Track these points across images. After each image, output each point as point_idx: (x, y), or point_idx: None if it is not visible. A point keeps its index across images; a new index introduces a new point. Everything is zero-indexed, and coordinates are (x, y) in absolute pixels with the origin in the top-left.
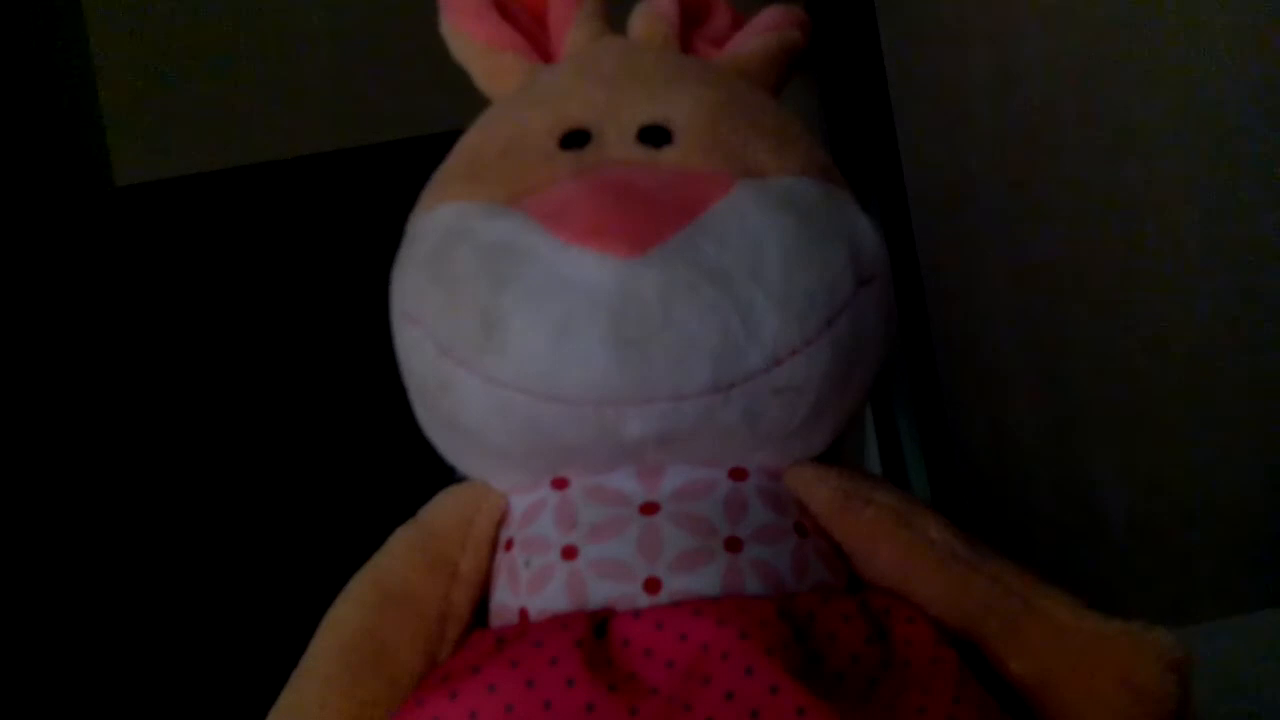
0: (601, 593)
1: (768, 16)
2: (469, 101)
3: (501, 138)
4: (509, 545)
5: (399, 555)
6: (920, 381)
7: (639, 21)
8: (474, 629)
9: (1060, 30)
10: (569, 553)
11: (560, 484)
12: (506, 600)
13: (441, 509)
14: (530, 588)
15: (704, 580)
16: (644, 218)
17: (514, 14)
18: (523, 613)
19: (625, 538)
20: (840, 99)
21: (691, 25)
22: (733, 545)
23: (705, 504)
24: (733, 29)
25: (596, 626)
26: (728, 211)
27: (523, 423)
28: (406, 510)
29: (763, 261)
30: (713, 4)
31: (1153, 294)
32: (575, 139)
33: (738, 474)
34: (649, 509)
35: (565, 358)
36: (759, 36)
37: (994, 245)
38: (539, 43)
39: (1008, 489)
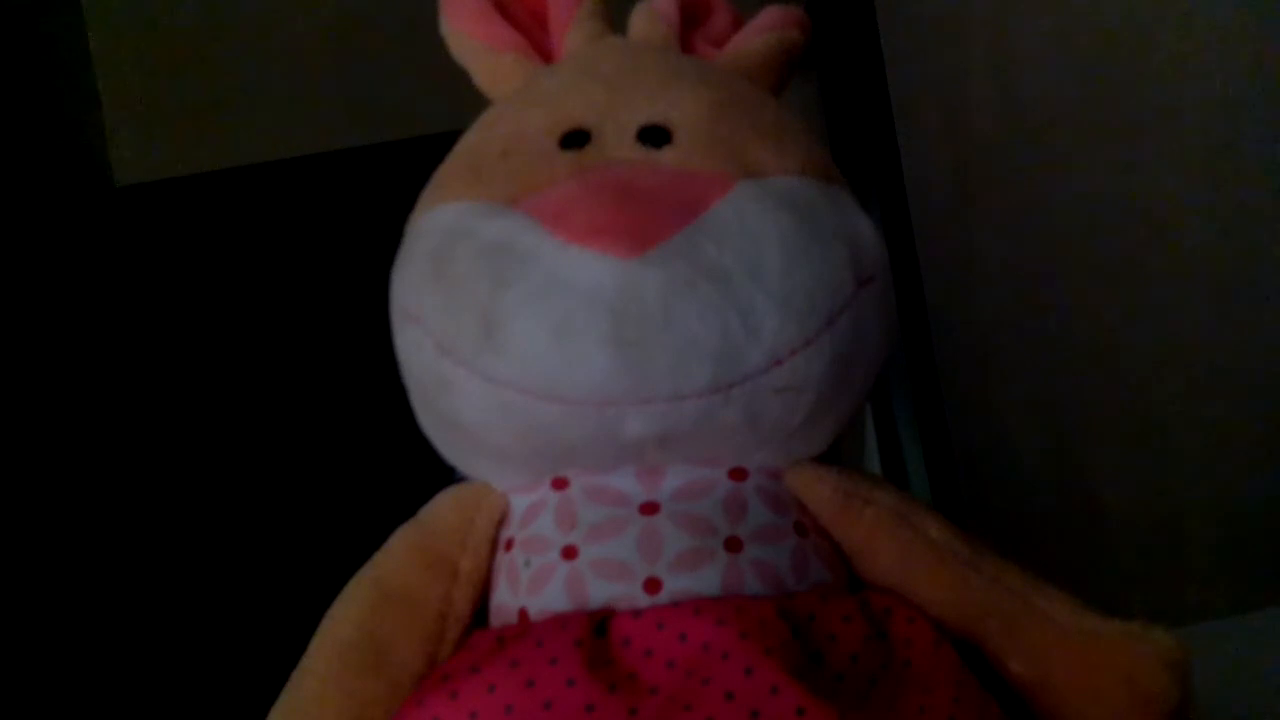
0: (602, 593)
1: (768, 16)
2: (469, 101)
3: (501, 138)
4: (509, 545)
5: (399, 555)
6: (920, 381)
7: (639, 21)
8: (474, 629)
9: (1061, 30)
10: (569, 553)
11: (560, 484)
12: (506, 600)
13: (441, 509)
14: (530, 588)
15: (704, 580)
16: (644, 218)
17: (514, 14)
18: (523, 613)
19: (625, 538)
20: (840, 98)
21: (691, 25)
22: (733, 545)
23: (705, 504)
24: (733, 29)
25: (596, 626)
26: (728, 211)
27: (523, 423)
28: (406, 510)
29: (763, 261)
30: (713, 4)
31: (1153, 293)
32: (575, 139)
33: (738, 474)
34: (649, 509)
35: (565, 358)
36: (759, 36)
37: (994, 245)
38: (539, 43)
39: (1008, 489)
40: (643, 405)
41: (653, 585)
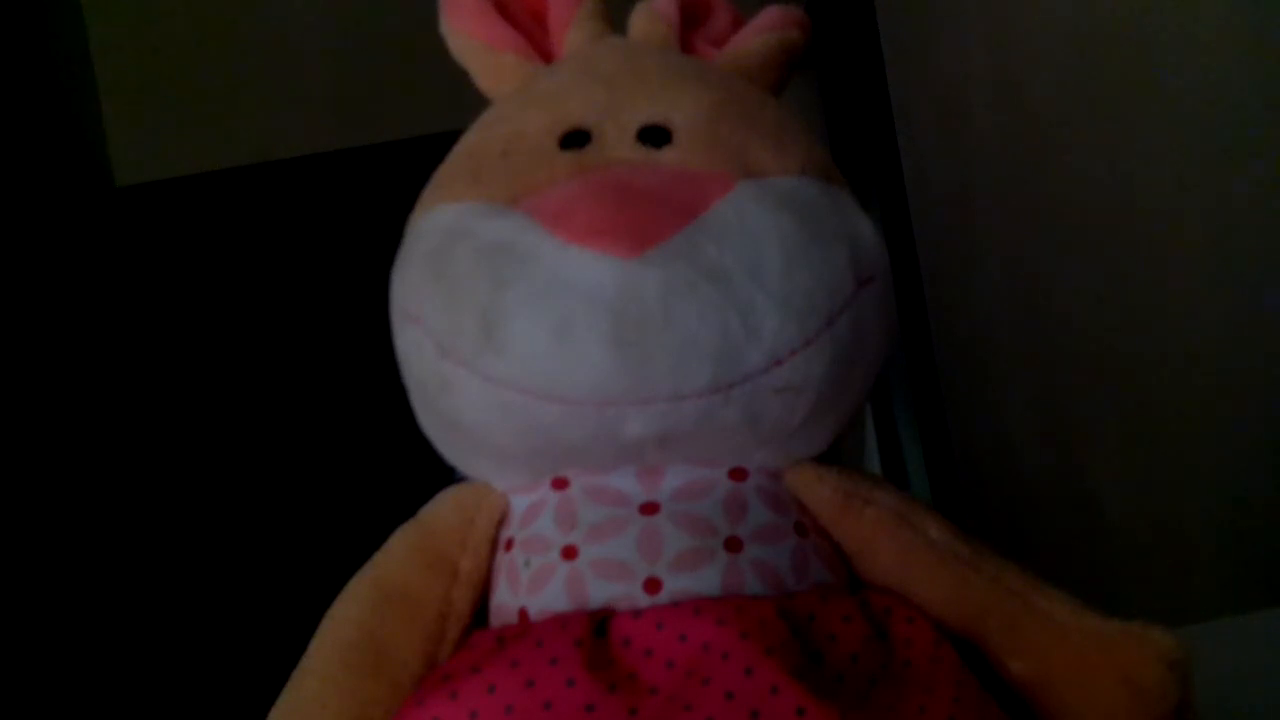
0: (602, 593)
1: (768, 16)
2: (469, 101)
3: (501, 138)
4: (509, 545)
5: (399, 555)
6: (920, 381)
7: (639, 21)
8: (474, 629)
9: (1060, 30)
10: (569, 553)
11: (560, 484)
12: (506, 600)
13: (441, 509)
14: (530, 588)
15: (704, 580)
16: (644, 217)
17: (514, 14)
18: (523, 613)
19: (625, 538)
20: (840, 99)
21: (691, 25)
22: (733, 545)
23: (705, 504)
24: (733, 29)
25: (597, 626)
26: (728, 211)
27: (523, 423)
28: (406, 510)
29: (763, 261)
30: (713, 4)
31: (1153, 293)
32: (575, 139)
33: (738, 474)
34: (649, 509)
35: (565, 358)
36: (759, 36)
37: (994, 245)
38: (539, 43)
39: (1008, 489)
40: (643, 405)
41: (653, 585)
